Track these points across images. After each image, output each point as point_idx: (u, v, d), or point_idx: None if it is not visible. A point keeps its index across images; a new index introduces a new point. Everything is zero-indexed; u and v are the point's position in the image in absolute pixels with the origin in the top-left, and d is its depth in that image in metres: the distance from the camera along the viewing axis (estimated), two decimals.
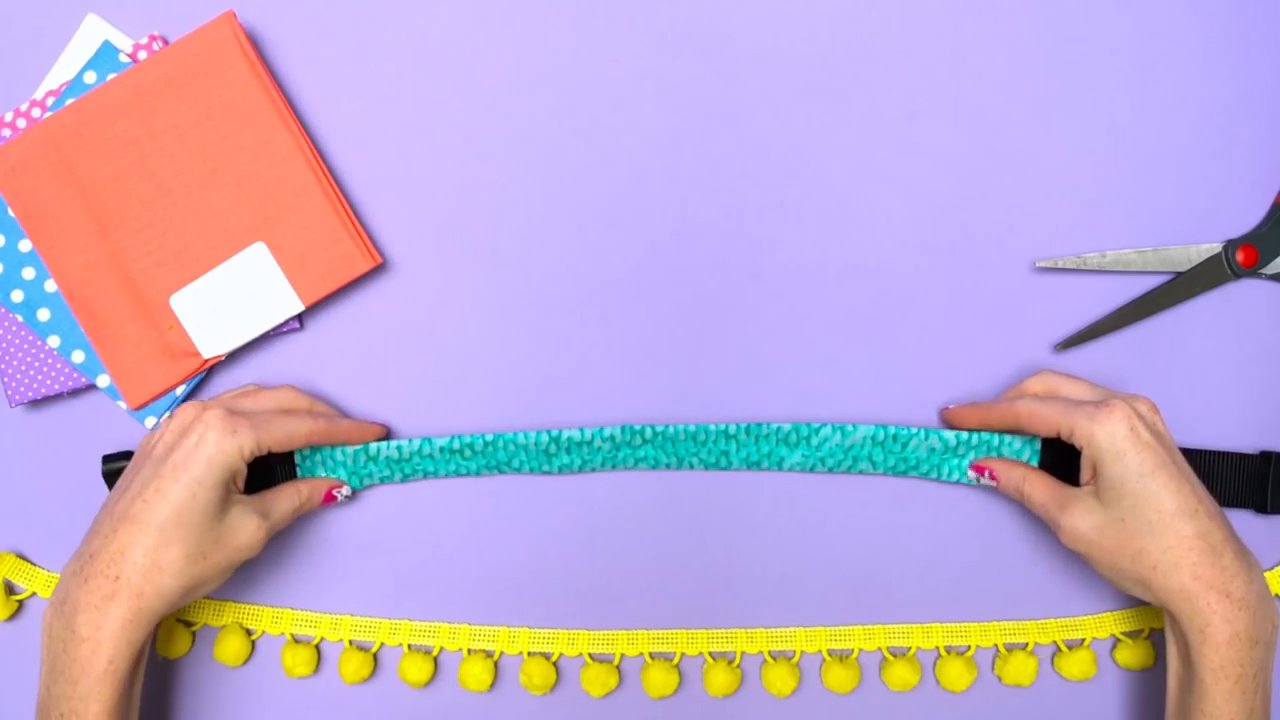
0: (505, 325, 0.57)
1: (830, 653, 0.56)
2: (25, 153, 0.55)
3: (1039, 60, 0.57)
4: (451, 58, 0.57)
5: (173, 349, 0.56)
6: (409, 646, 0.56)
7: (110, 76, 0.56)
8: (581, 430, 0.54)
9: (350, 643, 0.56)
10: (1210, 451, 0.55)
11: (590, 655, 0.56)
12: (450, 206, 0.57)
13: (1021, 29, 0.57)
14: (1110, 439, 0.48)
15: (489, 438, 0.54)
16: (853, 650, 0.56)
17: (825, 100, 0.57)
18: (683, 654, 0.56)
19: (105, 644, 0.46)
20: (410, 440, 0.55)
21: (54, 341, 0.56)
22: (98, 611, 0.46)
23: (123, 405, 0.56)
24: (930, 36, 0.57)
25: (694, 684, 0.56)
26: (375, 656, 0.57)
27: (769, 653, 0.56)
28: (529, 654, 0.56)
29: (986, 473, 0.54)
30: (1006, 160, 0.57)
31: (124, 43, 0.57)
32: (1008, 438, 0.54)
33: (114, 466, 0.54)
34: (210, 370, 0.57)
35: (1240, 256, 0.55)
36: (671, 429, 0.55)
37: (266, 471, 0.54)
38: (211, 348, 0.56)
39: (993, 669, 0.56)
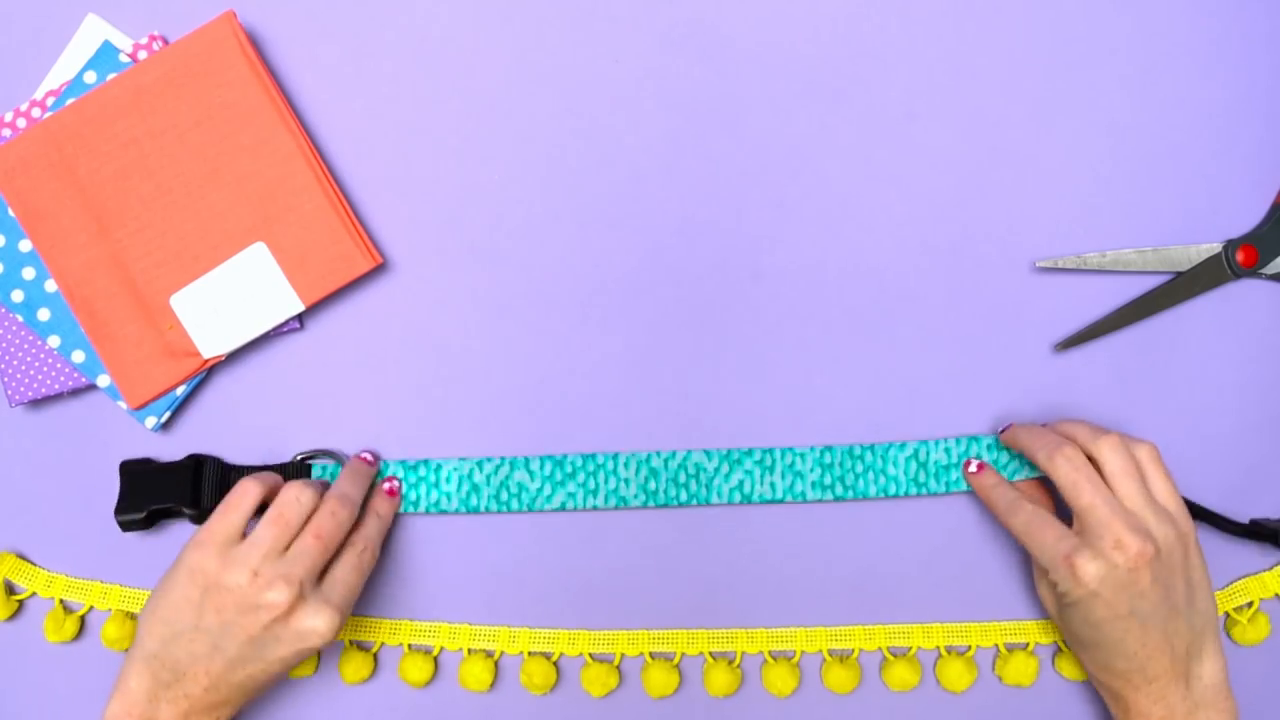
0: (505, 325, 0.57)
1: (830, 653, 0.56)
2: (25, 152, 0.56)
3: (1038, 60, 0.57)
4: (451, 58, 0.58)
5: (173, 349, 0.56)
6: (409, 646, 0.57)
7: (110, 76, 0.56)
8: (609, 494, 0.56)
9: (350, 643, 0.57)
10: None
11: (590, 655, 0.56)
12: (450, 206, 0.57)
13: (1021, 29, 0.57)
14: (1088, 576, 0.48)
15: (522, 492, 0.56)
16: (853, 650, 0.56)
17: (825, 101, 0.57)
18: (683, 654, 0.56)
19: None
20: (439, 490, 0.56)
21: (54, 341, 0.56)
22: None
23: (123, 405, 0.56)
24: (929, 37, 0.57)
25: (694, 684, 0.57)
26: (375, 656, 0.57)
27: (769, 653, 0.56)
28: (529, 654, 0.56)
29: (975, 465, 0.55)
30: (1006, 160, 0.57)
31: (124, 43, 0.57)
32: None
33: (133, 467, 0.56)
34: (210, 370, 0.57)
35: (1240, 256, 0.55)
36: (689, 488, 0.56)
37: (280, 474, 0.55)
38: (212, 347, 0.56)
39: (993, 669, 0.56)
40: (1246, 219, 0.57)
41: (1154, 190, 0.57)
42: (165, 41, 0.57)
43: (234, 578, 0.49)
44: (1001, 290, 0.57)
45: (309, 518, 0.52)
